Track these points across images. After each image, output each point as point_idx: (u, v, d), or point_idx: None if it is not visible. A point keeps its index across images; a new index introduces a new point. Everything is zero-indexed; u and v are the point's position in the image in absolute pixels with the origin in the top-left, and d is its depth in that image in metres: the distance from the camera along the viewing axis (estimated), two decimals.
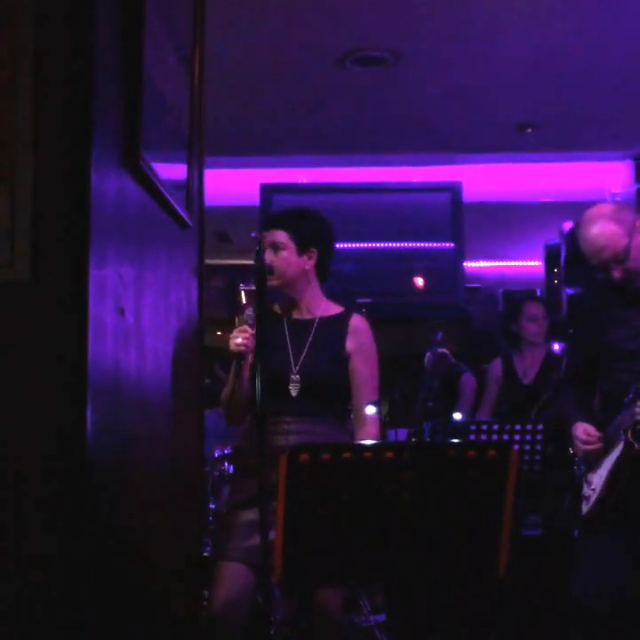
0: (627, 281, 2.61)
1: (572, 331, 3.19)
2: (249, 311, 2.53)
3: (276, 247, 2.66)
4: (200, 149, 2.46)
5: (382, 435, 4.56)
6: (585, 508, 2.61)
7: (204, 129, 2.50)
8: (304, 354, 2.66)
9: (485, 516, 1.89)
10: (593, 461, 2.61)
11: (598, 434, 2.60)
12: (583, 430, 2.63)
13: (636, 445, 2.46)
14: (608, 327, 2.66)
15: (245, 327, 2.49)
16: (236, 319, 3.06)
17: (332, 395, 2.68)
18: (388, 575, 1.98)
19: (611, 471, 2.53)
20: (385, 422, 5.13)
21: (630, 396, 2.50)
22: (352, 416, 2.83)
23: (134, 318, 1.78)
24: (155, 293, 1.98)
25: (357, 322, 2.74)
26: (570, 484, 2.73)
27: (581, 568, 2.61)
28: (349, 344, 2.69)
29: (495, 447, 1.92)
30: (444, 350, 4.47)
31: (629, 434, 2.47)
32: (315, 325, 2.71)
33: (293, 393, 2.61)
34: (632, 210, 2.69)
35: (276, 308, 2.78)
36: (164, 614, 2.04)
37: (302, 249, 2.68)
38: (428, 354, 4.17)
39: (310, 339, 2.68)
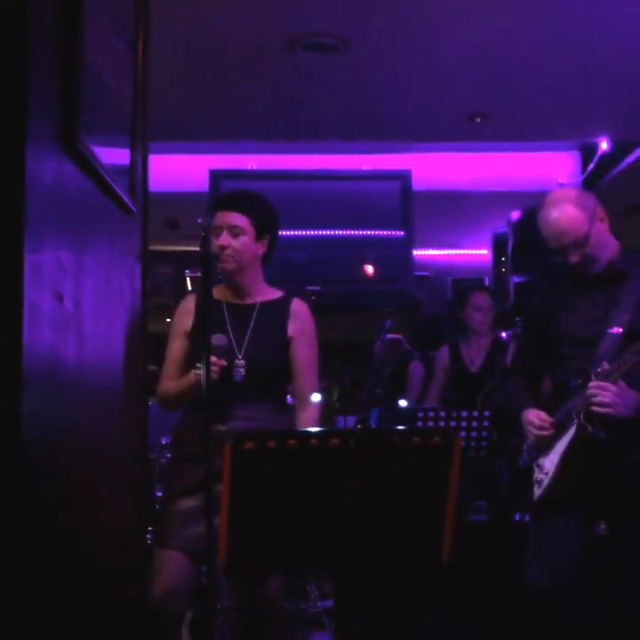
0: (583, 266, 2.62)
1: (521, 318, 3.21)
2: (219, 341, 2.49)
3: (236, 231, 2.64)
4: (144, 134, 2.41)
5: (332, 422, 4.58)
6: (537, 491, 2.63)
7: (149, 114, 2.45)
8: (247, 339, 2.65)
9: (430, 502, 1.91)
10: (544, 447, 2.63)
11: (550, 419, 2.62)
12: (536, 415, 2.64)
13: (589, 428, 2.49)
14: (560, 314, 2.68)
15: (214, 359, 2.43)
16: None
17: (275, 379, 2.69)
18: (333, 562, 1.98)
19: (563, 454, 2.55)
20: (335, 409, 5.14)
21: (579, 381, 2.54)
22: (292, 400, 2.82)
23: (73, 305, 1.75)
24: (96, 279, 1.94)
25: (298, 306, 2.74)
26: (512, 470, 2.75)
27: (535, 552, 2.64)
28: (291, 328, 2.70)
29: (440, 434, 1.93)
30: (398, 336, 4.48)
31: (582, 417, 2.50)
32: (256, 310, 2.70)
33: (237, 378, 2.60)
34: (593, 197, 2.69)
35: (214, 292, 2.75)
36: (106, 606, 2.01)
37: (259, 235, 2.69)
38: (377, 341, 4.17)
39: (252, 323, 2.67)
